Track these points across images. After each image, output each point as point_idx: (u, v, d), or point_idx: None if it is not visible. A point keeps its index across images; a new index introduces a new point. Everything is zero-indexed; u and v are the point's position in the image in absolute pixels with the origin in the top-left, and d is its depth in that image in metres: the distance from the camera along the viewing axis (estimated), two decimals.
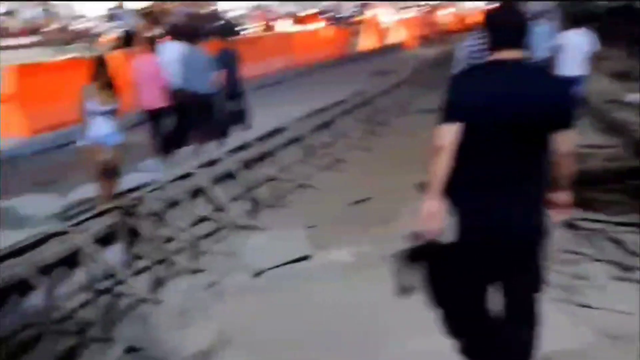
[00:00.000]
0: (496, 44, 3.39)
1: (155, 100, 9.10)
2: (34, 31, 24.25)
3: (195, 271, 5.82)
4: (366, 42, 27.05)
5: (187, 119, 9.58)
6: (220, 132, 10.32)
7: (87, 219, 5.69)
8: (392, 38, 29.40)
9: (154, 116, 9.29)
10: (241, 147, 8.68)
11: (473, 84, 3.40)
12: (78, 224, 5.67)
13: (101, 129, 6.92)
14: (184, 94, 9.32)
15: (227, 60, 10.58)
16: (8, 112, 9.69)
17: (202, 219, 6.96)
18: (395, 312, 4.80)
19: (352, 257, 5.81)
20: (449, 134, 3.30)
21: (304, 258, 5.80)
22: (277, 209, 7.65)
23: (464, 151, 3.31)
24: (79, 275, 5.17)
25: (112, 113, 6.99)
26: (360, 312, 4.81)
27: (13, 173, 8.67)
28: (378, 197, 7.68)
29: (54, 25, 25.20)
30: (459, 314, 4.00)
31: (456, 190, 3.36)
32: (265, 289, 5.40)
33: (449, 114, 3.33)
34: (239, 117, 11.42)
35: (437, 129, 3.35)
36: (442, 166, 3.33)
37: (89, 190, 7.40)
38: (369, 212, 7.16)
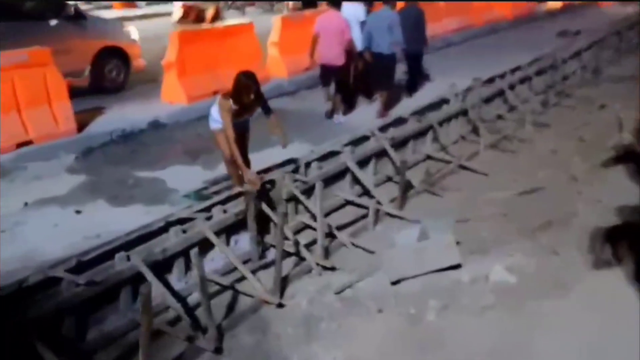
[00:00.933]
0: None
1: (335, 57, 9.12)
2: None
3: (327, 269, 5.16)
4: None
5: (368, 78, 9.90)
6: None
7: (215, 204, 5.24)
8: None
9: (330, 73, 9.37)
10: (398, 122, 7.92)
11: None
12: (209, 208, 5.28)
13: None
14: (368, 54, 9.31)
15: (413, 20, 10.08)
16: (170, 79, 9.64)
17: (343, 205, 6.34)
18: None
19: (513, 277, 4.81)
20: None
21: (453, 267, 4.91)
22: (429, 195, 6.78)
23: None
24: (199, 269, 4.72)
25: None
26: None
27: (171, 140, 8.56)
28: (552, 188, 6.57)
29: None
30: None
31: None
32: (403, 303, 4.61)
33: None
34: (409, 82, 10.84)
35: None
36: None
37: None
38: (539, 208, 6.09)
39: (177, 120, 9.16)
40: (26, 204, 6.37)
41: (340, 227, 5.93)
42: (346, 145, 6.86)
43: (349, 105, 10.02)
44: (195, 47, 9.89)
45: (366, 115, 9.65)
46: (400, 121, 8.01)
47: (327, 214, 6.12)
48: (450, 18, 17.21)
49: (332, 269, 5.18)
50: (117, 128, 8.37)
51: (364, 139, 7.30)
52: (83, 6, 18.67)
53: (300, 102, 10.73)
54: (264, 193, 5.52)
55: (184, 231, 4.85)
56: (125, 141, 8.29)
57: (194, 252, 4.61)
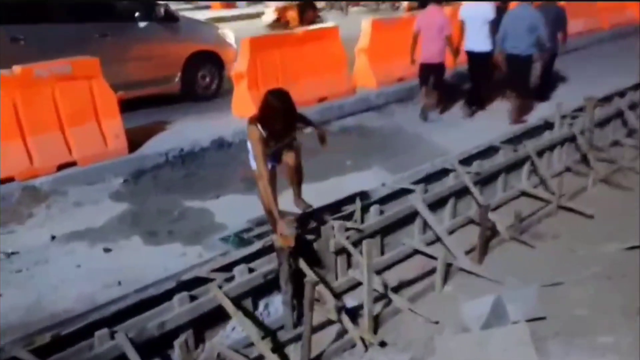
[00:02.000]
0: None
1: (435, 55, 9.03)
2: None
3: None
4: None
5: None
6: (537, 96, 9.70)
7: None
8: None
9: (430, 71, 9.24)
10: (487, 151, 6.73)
11: None
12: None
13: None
14: (500, 56, 8.85)
15: (553, 17, 9.40)
16: (240, 91, 8.83)
17: (409, 255, 5.29)
18: None
19: None
20: None
21: None
22: (517, 245, 5.62)
23: None
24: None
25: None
26: None
27: (234, 162, 7.75)
28: None
29: None
30: None
31: None
32: None
33: None
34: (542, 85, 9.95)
35: None
36: None
37: None
38: None
39: (245, 139, 8.31)
40: (53, 237, 5.73)
41: (403, 285, 4.90)
42: (423, 180, 5.78)
43: (478, 107, 9.69)
44: (269, 56, 8.97)
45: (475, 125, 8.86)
46: (489, 150, 6.81)
47: (388, 267, 5.11)
48: (574, 20, 15.38)
49: (381, 344, 4.17)
50: (175, 147, 7.61)
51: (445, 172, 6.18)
52: (180, 6, 18.34)
53: (387, 119, 9.68)
54: (303, 247, 4.54)
55: (193, 297, 3.93)
56: (183, 162, 7.54)
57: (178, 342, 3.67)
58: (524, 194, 6.54)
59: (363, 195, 5.44)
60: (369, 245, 3.94)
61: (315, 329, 4.31)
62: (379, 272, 5.02)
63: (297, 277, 4.32)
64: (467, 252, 5.33)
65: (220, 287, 3.97)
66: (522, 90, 8.95)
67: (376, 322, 4.39)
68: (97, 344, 3.51)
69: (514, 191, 6.53)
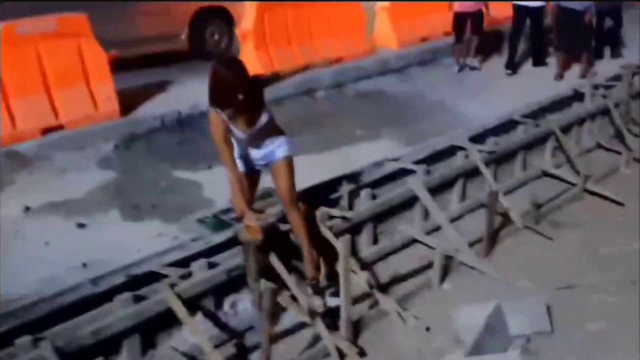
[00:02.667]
0: None
1: (472, 3, 9.01)
2: None
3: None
4: None
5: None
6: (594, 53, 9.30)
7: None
8: None
9: (465, 20, 9.15)
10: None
11: None
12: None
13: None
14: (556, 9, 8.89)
15: None
16: (246, 51, 8.23)
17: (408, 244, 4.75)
18: None
19: None
20: None
21: None
22: (532, 235, 5.08)
23: None
24: None
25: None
26: None
27: None
28: None
29: None
30: None
31: None
32: None
33: None
34: (610, 40, 9.74)
35: None
36: None
37: None
38: None
39: None
40: (28, 208, 5.33)
41: (395, 280, 4.38)
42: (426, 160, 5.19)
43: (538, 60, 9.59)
44: (278, 13, 8.32)
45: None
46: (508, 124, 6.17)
47: (382, 258, 4.59)
48: None
49: (360, 354, 3.69)
50: (172, 110, 7.11)
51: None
52: None
53: (408, 83, 9.05)
54: (279, 238, 4.02)
55: (139, 297, 3.46)
56: (181, 127, 7.05)
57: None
58: (545, 174, 5.90)
59: (354, 176, 4.87)
60: (345, 242, 3.42)
61: (291, 330, 3.87)
62: (370, 265, 4.51)
63: (269, 273, 3.85)
64: (473, 243, 4.78)
65: (174, 285, 3.49)
66: (586, 45, 8.67)
67: (357, 328, 3.90)
68: (18, 353, 3.05)
69: (534, 171, 5.89)
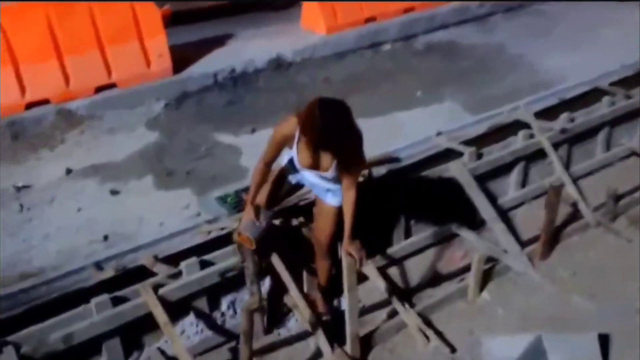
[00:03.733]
0: None
1: None
2: None
3: None
4: None
5: None
6: None
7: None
8: None
9: None
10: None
11: None
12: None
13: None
14: None
15: None
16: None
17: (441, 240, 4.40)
18: None
19: None
20: None
21: None
22: (604, 235, 4.51)
23: None
24: None
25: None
26: None
27: (289, 87, 7.03)
28: None
29: None
30: None
31: None
32: None
33: None
34: None
35: None
36: None
37: None
38: None
39: (308, 58, 7.49)
40: (69, 171, 5.45)
41: (424, 284, 4.06)
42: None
43: None
44: None
45: None
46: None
47: (415, 253, 4.28)
48: None
49: None
50: (225, 67, 6.96)
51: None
52: None
53: (487, 34, 8.37)
54: (289, 233, 3.81)
55: (119, 299, 3.38)
56: (234, 85, 6.92)
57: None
58: (634, 154, 5.19)
59: (390, 158, 4.53)
60: (350, 263, 3.17)
61: (296, 338, 3.71)
62: (399, 261, 4.21)
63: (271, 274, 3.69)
64: (530, 241, 4.29)
65: (161, 285, 3.38)
66: None
67: (368, 341, 3.61)
68: None
69: (620, 150, 5.19)
